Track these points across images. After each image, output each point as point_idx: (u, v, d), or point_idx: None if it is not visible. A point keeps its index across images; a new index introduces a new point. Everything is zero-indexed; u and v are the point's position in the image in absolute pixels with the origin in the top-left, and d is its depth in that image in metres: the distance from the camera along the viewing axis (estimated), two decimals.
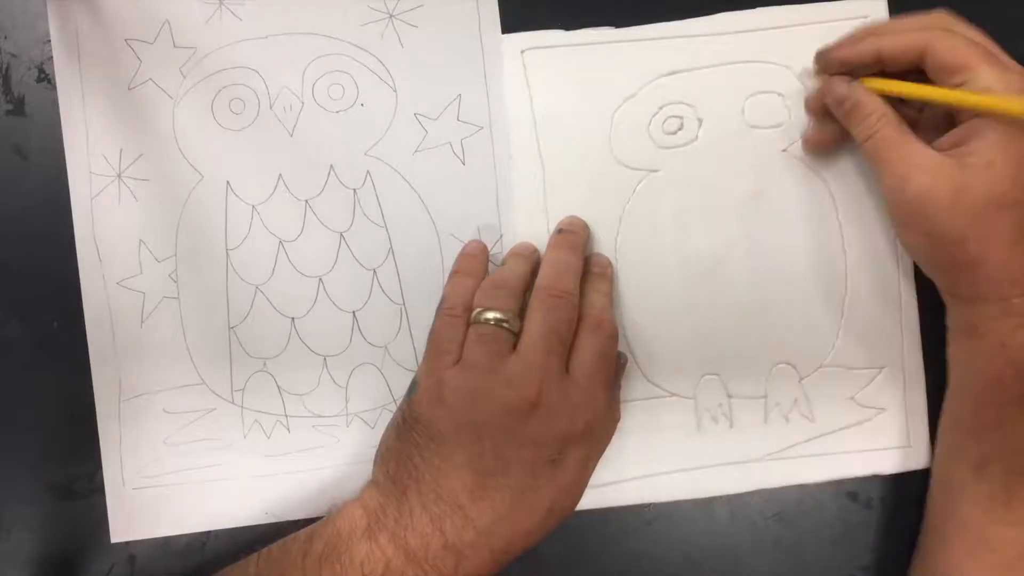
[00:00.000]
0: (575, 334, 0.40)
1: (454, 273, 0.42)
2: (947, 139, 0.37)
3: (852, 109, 0.39)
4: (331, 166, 0.43)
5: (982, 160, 0.36)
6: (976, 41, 0.37)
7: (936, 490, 0.41)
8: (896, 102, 0.39)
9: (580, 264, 0.41)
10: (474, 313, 0.39)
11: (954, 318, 0.40)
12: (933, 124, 0.40)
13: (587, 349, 0.39)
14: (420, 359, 0.42)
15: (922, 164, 0.36)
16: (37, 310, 0.43)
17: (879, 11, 0.43)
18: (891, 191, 0.38)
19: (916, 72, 0.38)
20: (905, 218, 0.38)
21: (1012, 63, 0.37)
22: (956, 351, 0.40)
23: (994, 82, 0.35)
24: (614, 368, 0.41)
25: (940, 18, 0.38)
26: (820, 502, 0.44)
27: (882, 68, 0.39)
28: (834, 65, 0.40)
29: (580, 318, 0.40)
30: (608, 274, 0.42)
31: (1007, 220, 0.36)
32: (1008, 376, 0.37)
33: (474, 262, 0.42)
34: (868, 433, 0.43)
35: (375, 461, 0.40)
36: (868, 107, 0.38)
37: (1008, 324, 0.37)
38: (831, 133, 0.41)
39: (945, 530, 0.40)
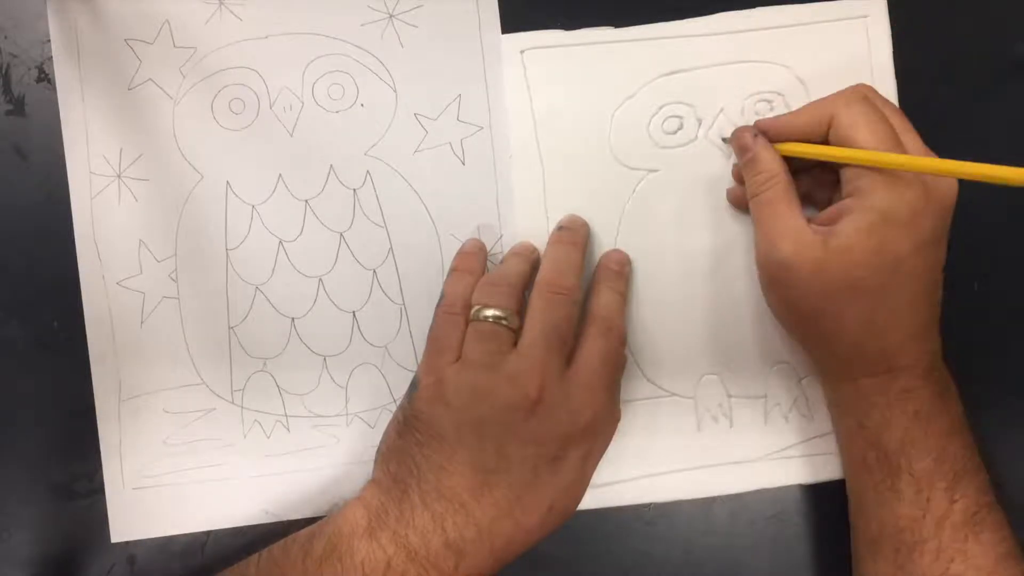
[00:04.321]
0: (582, 332, 0.40)
1: (452, 271, 0.42)
2: (825, 214, 0.38)
3: (749, 162, 0.40)
4: (331, 166, 0.43)
5: (843, 243, 0.36)
6: (881, 112, 0.37)
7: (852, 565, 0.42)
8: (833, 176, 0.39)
9: (581, 261, 0.41)
10: (473, 310, 0.39)
11: (824, 394, 0.42)
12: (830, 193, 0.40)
13: (593, 351, 0.39)
14: (420, 358, 0.42)
15: (791, 234, 0.37)
16: (37, 310, 0.43)
17: (879, 11, 0.43)
18: (760, 254, 0.39)
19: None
20: (769, 282, 0.39)
21: (911, 137, 0.37)
22: (833, 428, 0.42)
23: (870, 141, 0.36)
24: (618, 369, 0.41)
25: (857, 89, 0.38)
26: (820, 502, 0.44)
27: (803, 140, 0.39)
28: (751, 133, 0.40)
29: (590, 317, 0.40)
30: (626, 272, 0.42)
31: (859, 304, 0.37)
32: (872, 459, 0.39)
33: (472, 260, 0.42)
34: None
35: (376, 460, 0.40)
36: (762, 165, 0.39)
37: (862, 405, 0.39)
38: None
39: None
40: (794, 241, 0.37)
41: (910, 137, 0.38)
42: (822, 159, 0.38)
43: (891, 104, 0.39)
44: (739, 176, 0.42)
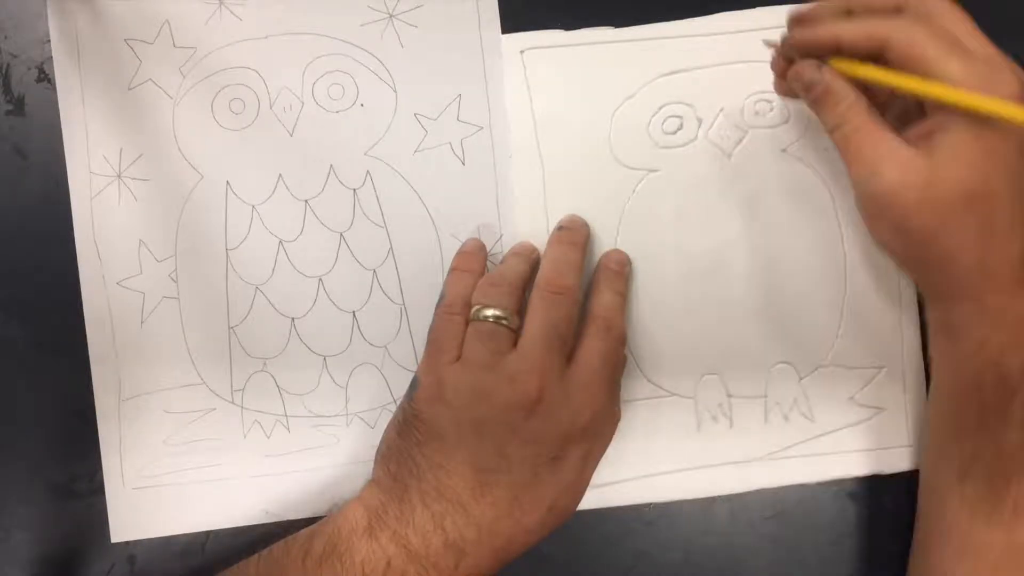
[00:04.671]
0: (582, 332, 0.40)
1: (452, 271, 0.42)
2: (915, 131, 0.36)
3: (822, 96, 0.36)
4: (331, 166, 0.43)
5: (951, 154, 0.34)
6: (941, 28, 0.35)
7: (924, 493, 0.41)
8: (864, 86, 0.36)
9: (581, 260, 0.41)
10: (473, 310, 0.39)
11: (933, 318, 0.39)
12: (903, 111, 0.38)
13: (593, 350, 0.39)
14: (420, 358, 0.42)
15: (892, 157, 0.35)
16: (37, 310, 0.43)
17: None
18: (859, 184, 0.36)
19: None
20: (874, 212, 0.37)
21: (982, 49, 0.35)
22: (937, 351, 0.39)
23: (959, 74, 0.33)
24: (618, 369, 0.41)
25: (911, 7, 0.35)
26: (820, 502, 0.44)
27: (842, 54, 0.36)
28: (791, 51, 0.38)
29: (589, 316, 0.40)
30: (625, 272, 0.42)
31: (977, 216, 0.34)
32: (988, 380, 0.37)
33: (472, 259, 0.42)
34: (868, 433, 0.43)
35: (376, 460, 0.40)
36: (838, 94, 0.36)
37: (985, 324, 0.36)
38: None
39: (934, 533, 0.40)
40: (897, 163, 0.34)
41: (981, 53, 0.35)
42: (903, 90, 0.35)
43: (952, 8, 0.35)
44: (780, 70, 0.39)
